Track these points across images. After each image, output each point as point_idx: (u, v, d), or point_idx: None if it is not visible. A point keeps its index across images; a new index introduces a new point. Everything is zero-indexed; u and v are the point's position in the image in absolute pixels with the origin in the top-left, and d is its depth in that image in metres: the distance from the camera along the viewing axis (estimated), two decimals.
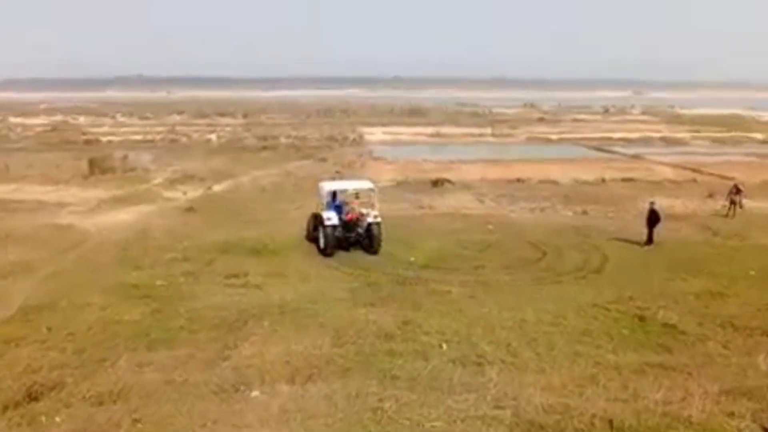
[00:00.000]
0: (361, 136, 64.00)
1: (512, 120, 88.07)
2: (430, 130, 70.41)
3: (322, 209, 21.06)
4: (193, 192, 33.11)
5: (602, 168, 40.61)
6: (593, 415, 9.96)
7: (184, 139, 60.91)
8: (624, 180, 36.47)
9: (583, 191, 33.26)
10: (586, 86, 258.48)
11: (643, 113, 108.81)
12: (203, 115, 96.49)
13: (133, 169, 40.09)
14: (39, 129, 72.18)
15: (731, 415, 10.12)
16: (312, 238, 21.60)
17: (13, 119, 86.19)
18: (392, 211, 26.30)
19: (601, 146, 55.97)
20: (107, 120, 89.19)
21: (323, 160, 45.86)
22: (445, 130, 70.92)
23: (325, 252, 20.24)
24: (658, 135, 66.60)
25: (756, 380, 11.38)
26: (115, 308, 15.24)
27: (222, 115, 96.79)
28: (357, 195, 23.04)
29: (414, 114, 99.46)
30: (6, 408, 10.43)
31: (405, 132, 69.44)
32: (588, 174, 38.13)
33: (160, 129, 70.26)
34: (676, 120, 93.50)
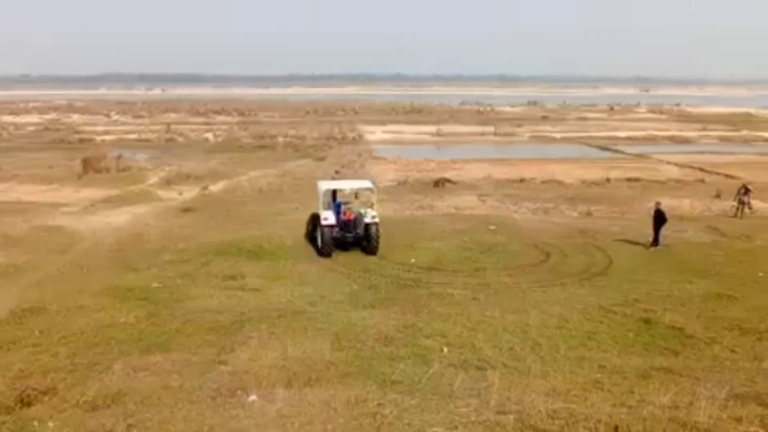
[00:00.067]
0: (361, 135, 63.88)
1: (516, 118, 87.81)
2: (431, 128, 70.20)
3: (321, 209, 20.84)
4: (189, 192, 32.96)
5: (607, 167, 40.46)
6: (598, 421, 9.72)
7: (180, 138, 60.82)
8: (629, 180, 36.27)
9: (587, 191, 33.06)
10: (591, 83, 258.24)
11: (649, 111, 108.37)
12: (199, 113, 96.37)
13: (128, 169, 39.99)
14: (31, 128, 72.02)
15: (739, 420, 9.87)
16: (312, 238, 21.42)
17: (4, 118, 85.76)
18: (393, 211, 26.14)
19: (606, 145, 55.77)
20: (101, 118, 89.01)
21: (322, 159, 45.71)
22: (447, 128, 70.64)
23: (322, 252, 20.00)
24: (664, 133, 66.29)
25: (765, 385, 11.16)
26: (109, 311, 15.06)
27: (218, 113, 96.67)
28: (356, 195, 22.84)
29: (415, 112, 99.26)
30: None
31: (406, 131, 69.27)
32: (592, 173, 37.97)
33: (155, 128, 70.10)
34: (683, 118, 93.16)
